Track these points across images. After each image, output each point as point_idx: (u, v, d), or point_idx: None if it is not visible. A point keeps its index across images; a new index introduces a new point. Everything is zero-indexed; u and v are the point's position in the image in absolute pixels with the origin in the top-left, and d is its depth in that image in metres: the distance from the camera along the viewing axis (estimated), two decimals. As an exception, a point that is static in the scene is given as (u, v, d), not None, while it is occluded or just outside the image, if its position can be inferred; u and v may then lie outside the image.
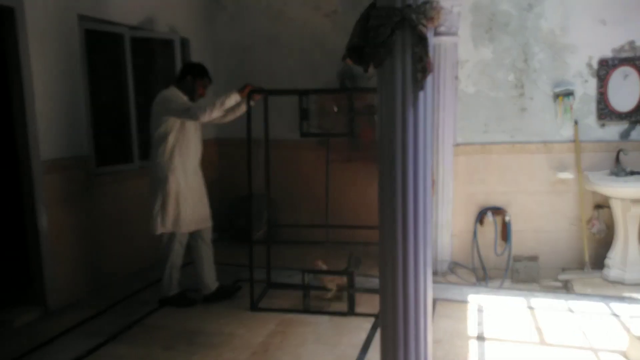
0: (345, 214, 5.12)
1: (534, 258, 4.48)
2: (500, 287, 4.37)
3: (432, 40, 2.26)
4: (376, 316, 3.60)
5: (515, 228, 4.51)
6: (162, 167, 3.60)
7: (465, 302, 3.90)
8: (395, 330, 2.38)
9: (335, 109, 4.82)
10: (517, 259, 4.49)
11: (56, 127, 3.78)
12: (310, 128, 5.06)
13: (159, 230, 3.64)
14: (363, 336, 3.34)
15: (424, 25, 2.18)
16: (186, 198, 3.67)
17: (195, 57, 5.41)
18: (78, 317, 3.62)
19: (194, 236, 3.81)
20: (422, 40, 2.16)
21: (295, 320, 3.57)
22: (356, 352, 3.14)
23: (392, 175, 2.25)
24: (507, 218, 4.49)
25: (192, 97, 3.72)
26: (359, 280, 4.25)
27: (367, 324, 3.52)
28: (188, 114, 3.55)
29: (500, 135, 4.52)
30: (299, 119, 3.81)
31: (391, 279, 2.36)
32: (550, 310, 3.74)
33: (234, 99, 3.60)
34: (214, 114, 3.55)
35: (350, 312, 3.66)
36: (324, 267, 3.99)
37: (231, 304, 3.84)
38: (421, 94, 2.22)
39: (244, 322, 3.56)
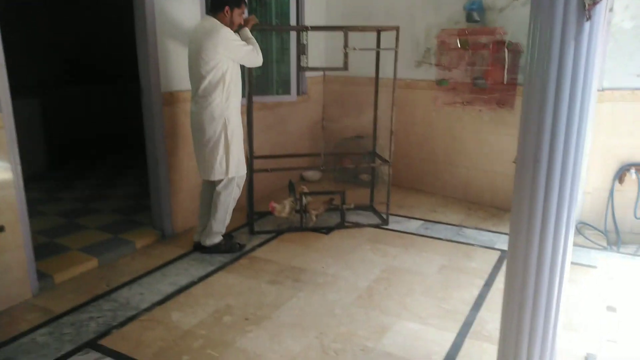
0: (460, 161, 4.78)
1: (681, 225, 3.88)
2: (636, 253, 3.86)
3: (606, -45, 1.83)
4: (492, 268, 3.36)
5: (663, 189, 3.90)
6: (221, 109, 3.35)
7: (592, 266, 3.49)
8: (524, 294, 2.14)
9: (458, 45, 4.37)
10: (661, 224, 3.92)
11: (175, 60, 3.80)
12: (426, 62, 4.75)
13: (225, 175, 3.46)
14: (475, 293, 3.12)
15: (598, -64, 1.76)
16: (241, 140, 3.55)
17: (310, -12, 5.17)
18: (191, 244, 3.77)
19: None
20: (594, -44, 1.75)
21: (401, 268, 3.43)
22: (467, 309, 2.93)
23: (540, 124, 1.92)
24: (654, 177, 3.89)
25: (231, 28, 3.37)
26: (472, 233, 4.00)
27: (479, 280, 3.28)
28: (250, 58, 3.40)
29: (658, 81, 3.83)
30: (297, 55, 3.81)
31: (526, 236, 2.09)
32: (700, 287, 3.24)
33: (249, 35, 3.50)
34: (259, 55, 3.47)
35: (341, 224, 4.13)
36: (306, 190, 4.14)
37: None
38: (586, 26, 1.82)
39: (350, 264, 3.49)
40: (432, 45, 4.76)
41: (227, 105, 3.38)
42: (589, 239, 3.92)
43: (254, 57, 3.43)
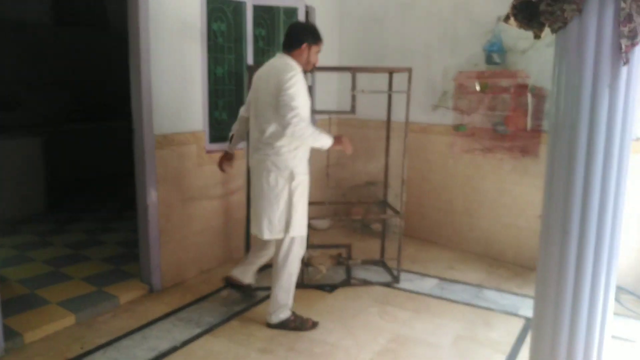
0: (480, 213, 4.39)
1: None
2: (683, 326, 3.38)
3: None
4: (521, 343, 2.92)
5: None
6: (286, 159, 2.89)
7: (630, 340, 3.03)
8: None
9: (478, 88, 4.07)
10: None
11: (171, 101, 3.58)
12: (443, 106, 4.45)
13: (282, 234, 2.98)
14: (496, 373, 2.70)
15: (640, -34, 1.47)
16: (306, 195, 3.07)
17: (320, 27, 4.95)
18: (180, 301, 3.45)
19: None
20: (636, -12, 1.45)
21: (411, 338, 3.02)
22: (486, 394, 2.51)
23: (569, 187, 1.58)
24: (701, 239, 3.44)
25: (306, 68, 3.01)
26: (492, 296, 3.58)
27: (499, 355, 2.85)
28: (292, 124, 2.73)
29: (702, 130, 3.44)
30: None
31: (554, 308, 1.72)
32: None
33: (325, 143, 2.94)
34: (301, 138, 2.82)
35: (347, 281, 3.76)
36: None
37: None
38: (623, 70, 1.51)
39: (353, 331, 3.10)
40: (449, 88, 4.47)
41: (295, 155, 2.93)
42: (626, 307, 3.45)
43: (297, 129, 2.75)
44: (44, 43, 6.92)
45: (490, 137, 4.08)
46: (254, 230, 3.09)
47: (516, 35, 4.05)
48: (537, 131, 3.91)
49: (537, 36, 1.75)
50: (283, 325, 3.10)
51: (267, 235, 2.99)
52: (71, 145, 6.71)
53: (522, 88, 3.84)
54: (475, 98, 4.18)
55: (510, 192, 4.17)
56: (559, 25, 1.59)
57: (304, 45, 2.97)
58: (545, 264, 1.69)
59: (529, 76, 3.85)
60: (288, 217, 2.96)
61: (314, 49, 3.01)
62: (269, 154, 2.92)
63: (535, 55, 3.95)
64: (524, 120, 3.84)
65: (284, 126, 2.77)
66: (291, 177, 2.93)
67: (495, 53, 4.10)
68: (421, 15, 4.66)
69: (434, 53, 4.62)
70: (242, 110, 3.29)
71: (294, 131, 2.76)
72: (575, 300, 1.69)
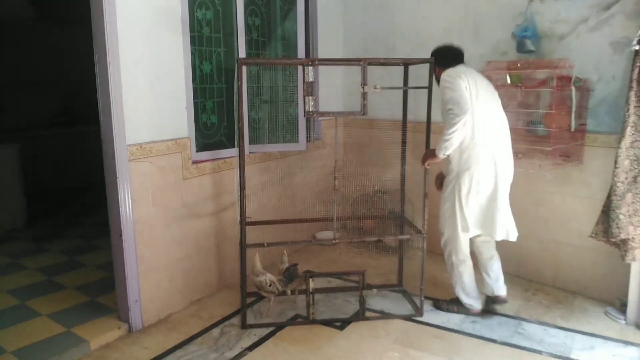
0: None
1: None
2: None
3: None
4: None
5: None
6: None
7: None
8: None
9: (508, 80, 3.48)
10: None
11: (147, 104, 3.01)
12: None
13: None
14: None
15: None
16: None
17: (323, 14, 4.39)
18: (163, 343, 2.88)
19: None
20: None
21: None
22: None
23: None
24: None
25: None
26: (535, 331, 2.99)
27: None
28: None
29: None
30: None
31: None
32: None
33: (439, 151, 3.04)
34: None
35: (361, 314, 3.14)
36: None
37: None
38: None
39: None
40: (473, 81, 3.87)
41: None
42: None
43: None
44: (25, 41, 6.37)
45: (525, 139, 3.48)
46: (499, 236, 3.08)
47: (553, 18, 3.46)
48: (581, 132, 3.32)
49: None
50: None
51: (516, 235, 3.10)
52: (55, 151, 6.19)
53: (565, 80, 3.24)
54: (506, 93, 3.57)
55: (549, 203, 3.58)
56: None
57: None
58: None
59: (572, 66, 3.25)
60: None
61: None
62: (509, 157, 3.09)
63: (577, 42, 3.35)
64: (565, 120, 3.25)
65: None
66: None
67: (528, 39, 3.50)
68: (438, -2, 4.06)
69: (453, 41, 3.99)
70: (470, 121, 2.93)
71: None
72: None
